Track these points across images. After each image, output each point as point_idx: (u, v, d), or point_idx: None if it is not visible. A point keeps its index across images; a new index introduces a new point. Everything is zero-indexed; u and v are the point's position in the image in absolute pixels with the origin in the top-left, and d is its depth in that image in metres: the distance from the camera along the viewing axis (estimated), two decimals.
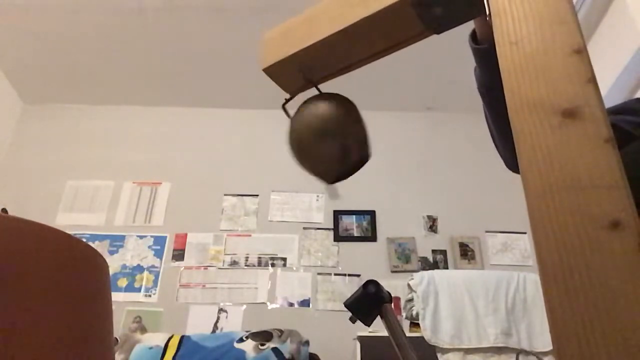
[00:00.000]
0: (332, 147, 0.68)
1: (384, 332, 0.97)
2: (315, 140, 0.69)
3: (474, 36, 0.74)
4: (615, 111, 0.80)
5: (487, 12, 0.48)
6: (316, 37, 0.63)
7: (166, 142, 3.62)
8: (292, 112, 0.76)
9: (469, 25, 0.75)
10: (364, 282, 1.00)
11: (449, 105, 3.66)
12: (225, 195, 3.40)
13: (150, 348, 2.29)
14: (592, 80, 0.40)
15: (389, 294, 1.01)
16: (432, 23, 0.59)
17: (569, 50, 0.42)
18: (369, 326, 0.99)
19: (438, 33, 0.61)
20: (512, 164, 0.87)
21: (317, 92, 0.74)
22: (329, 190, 0.82)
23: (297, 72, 0.68)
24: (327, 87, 0.74)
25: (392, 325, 0.96)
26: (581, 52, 0.41)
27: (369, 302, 0.96)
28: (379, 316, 0.98)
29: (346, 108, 0.71)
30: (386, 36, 0.62)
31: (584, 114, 0.39)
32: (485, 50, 0.71)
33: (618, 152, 0.37)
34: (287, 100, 0.74)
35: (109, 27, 3.04)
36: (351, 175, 0.72)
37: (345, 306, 0.97)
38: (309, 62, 0.67)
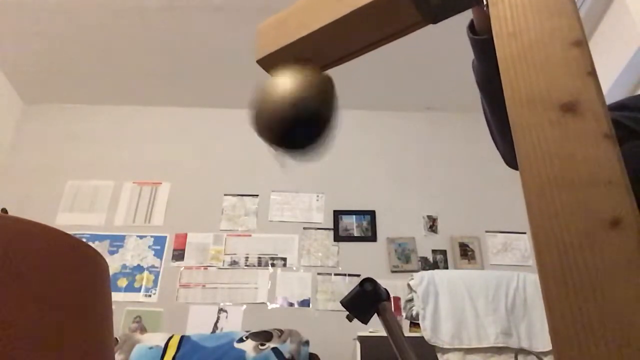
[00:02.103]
0: (284, 111, 0.62)
1: (384, 332, 0.97)
2: (272, 103, 0.63)
3: (472, 27, 0.73)
4: (616, 107, 0.79)
5: (485, 2, 0.48)
6: (311, 27, 0.62)
7: (166, 142, 3.62)
8: None
9: (469, 21, 0.74)
10: None
11: (449, 105, 3.66)
12: (225, 195, 3.40)
13: (150, 348, 2.29)
14: (592, 73, 0.39)
15: (387, 291, 1.01)
16: (429, 12, 0.58)
17: (568, 42, 0.41)
18: (366, 324, 0.99)
19: (435, 23, 0.60)
20: (511, 160, 0.85)
21: None
22: (279, 159, 0.75)
23: (291, 63, 0.67)
24: None
25: (390, 323, 0.96)
26: (581, 44, 0.40)
27: (366, 300, 0.96)
28: (376, 315, 0.98)
29: (323, 81, 0.66)
30: (382, 26, 0.61)
31: (583, 108, 0.38)
32: (483, 42, 0.70)
33: (618, 148, 0.36)
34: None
35: (109, 27, 3.04)
36: (296, 147, 0.66)
37: (342, 304, 0.97)
38: (303, 53, 0.66)
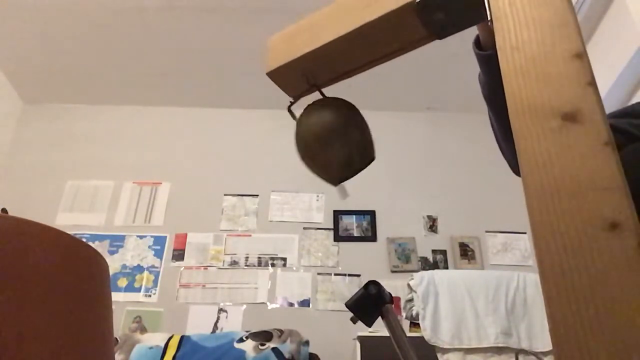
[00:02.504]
0: (337, 153, 0.70)
1: (384, 332, 0.98)
2: (320, 147, 0.70)
3: (478, 42, 0.75)
4: (620, 114, 0.81)
5: (489, 17, 0.49)
6: (319, 42, 0.64)
7: (166, 142, 3.62)
8: (297, 112, 0.76)
9: (475, 37, 0.76)
10: (364, 282, 1.01)
11: (449, 105, 3.66)
12: (225, 195, 3.40)
13: (150, 348, 2.30)
14: (592, 83, 0.40)
15: (390, 294, 1.01)
16: (434, 28, 0.60)
17: (569, 54, 0.42)
18: (370, 327, 1.00)
19: (440, 38, 0.62)
20: (517, 167, 0.87)
21: (320, 95, 0.75)
22: (339, 190, 0.83)
23: (300, 76, 0.69)
24: (329, 88, 0.74)
25: (393, 326, 0.96)
26: (581, 56, 0.41)
27: (370, 302, 0.96)
28: (379, 316, 0.98)
29: (350, 113, 0.72)
30: (389, 41, 0.62)
31: (583, 118, 0.39)
32: (489, 57, 0.72)
33: (617, 155, 0.37)
34: (292, 104, 0.75)
35: (109, 27, 3.04)
36: (356, 174, 0.74)
37: (347, 307, 0.97)
38: (312, 66, 0.67)
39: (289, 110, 0.75)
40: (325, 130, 0.69)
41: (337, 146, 0.69)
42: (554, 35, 0.43)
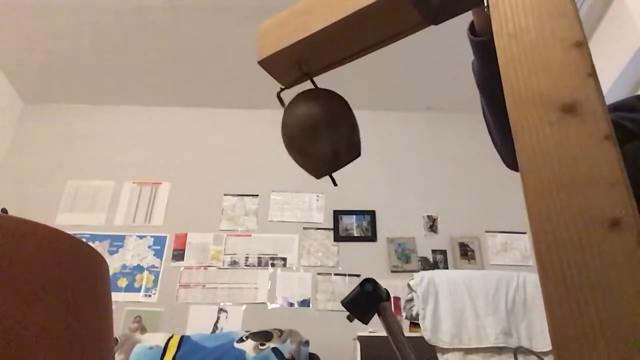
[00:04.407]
0: (322, 146, 0.68)
1: (384, 332, 0.97)
2: (305, 138, 0.69)
3: (472, 28, 0.73)
4: (615, 108, 0.79)
5: (486, 3, 0.48)
6: (312, 29, 0.63)
7: (166, 142, 3.62)
8: (287, 100, 0.75)
9: (470, 23, 0.75)
10: None
11: (449, 105, 3.66)
12: (225, 195, 3.40)
13: (150, 348, 2.29)
14: (593, 74, 0.39)
15: (387, 292, 1.01)
16: (429, 14, 0.59)
17: (569, 43, 0.41)
18: (366, 324, 0.99)
19: (436, 24, 0.61)
20: (510, 161, 0.85)
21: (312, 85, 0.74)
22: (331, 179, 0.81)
23: (293, 64, 0.68)
24: (326, 83, 0.73)
25: (390, 324, 0.96)
26: (581, 45, 0.41)
27: (366, 300, 0.96)
28: (377, 315, 0.98)
29: (337, 106, 0.71)
30: (383, 28, 0.61)
31: (583, 109, 0.38)
32: (483, 43, 0.70)
33: (618, 149, 0.36)
34: (282, 89, 0.74)
35: (109, 27, 3.04)
36: (340, 169, 0.72)
37: (343, 305, 0.97)
38: (305, 54, 0.66)
39: (279, 97, 0.74)
40: (312, 121, 0.68)
41: (325, 139, 0.68)
42: (553, 23, 0.42)
